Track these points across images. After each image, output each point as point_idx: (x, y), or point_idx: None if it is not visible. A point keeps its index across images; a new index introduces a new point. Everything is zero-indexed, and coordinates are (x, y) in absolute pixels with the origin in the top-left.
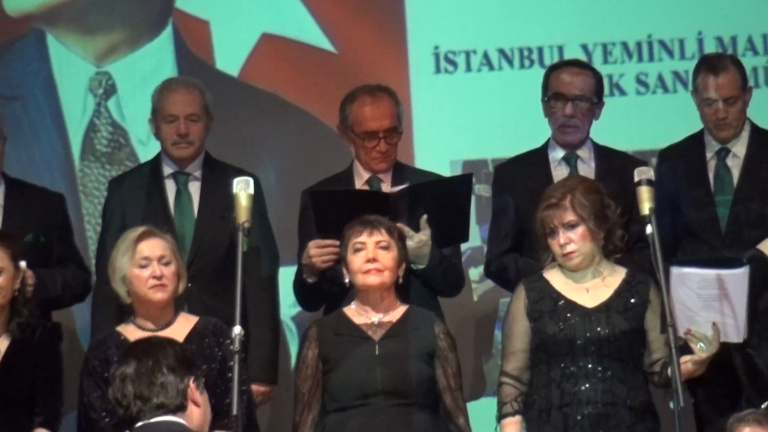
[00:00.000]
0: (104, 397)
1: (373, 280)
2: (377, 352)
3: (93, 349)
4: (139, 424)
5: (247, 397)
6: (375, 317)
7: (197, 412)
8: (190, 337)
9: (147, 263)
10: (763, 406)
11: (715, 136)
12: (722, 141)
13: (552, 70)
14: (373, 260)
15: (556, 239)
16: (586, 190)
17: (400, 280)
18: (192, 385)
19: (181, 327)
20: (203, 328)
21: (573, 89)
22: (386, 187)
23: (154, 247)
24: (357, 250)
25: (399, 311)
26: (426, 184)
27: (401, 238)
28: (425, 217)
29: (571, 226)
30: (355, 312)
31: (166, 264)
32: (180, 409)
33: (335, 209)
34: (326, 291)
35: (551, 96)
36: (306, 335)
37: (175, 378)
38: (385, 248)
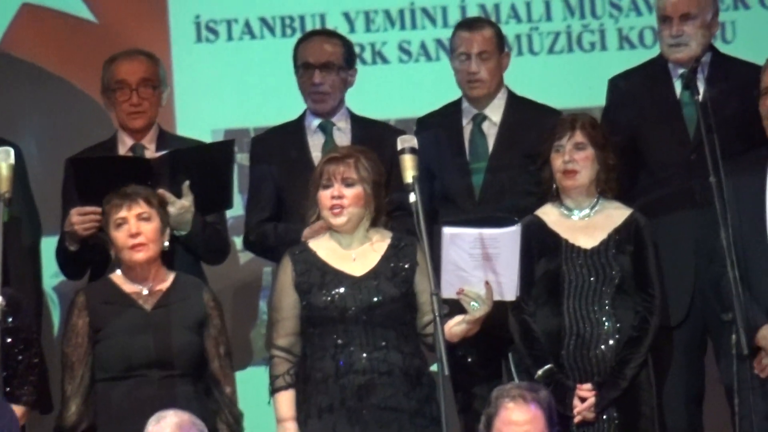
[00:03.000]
0: None
1: (139, 256)
2: (149, 321)
3: None
4: None
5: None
6: (145, 287)
7: None
8: None
9: None
10: (539, 372)
11: (469, 96)
12: (475, 101)
13: (300, 42)
14: (137, 234)
15: (330, 192)
16: (370, 158)
17: (166, 247)
18: None
19: None
20: None
21: (320, 57)
22: (150, 154)
23: None
24: (119, 225)
25: (168, 279)
26: (187, 150)
27: (162, 206)
28: (187, 183)
29: (349, 185)
30: (123, 280)
31: None
32: None
33: (96, 176)
34: (89, 259)
35: (300, 66)
36: (74, 302)
37: None
38: (147, 219)
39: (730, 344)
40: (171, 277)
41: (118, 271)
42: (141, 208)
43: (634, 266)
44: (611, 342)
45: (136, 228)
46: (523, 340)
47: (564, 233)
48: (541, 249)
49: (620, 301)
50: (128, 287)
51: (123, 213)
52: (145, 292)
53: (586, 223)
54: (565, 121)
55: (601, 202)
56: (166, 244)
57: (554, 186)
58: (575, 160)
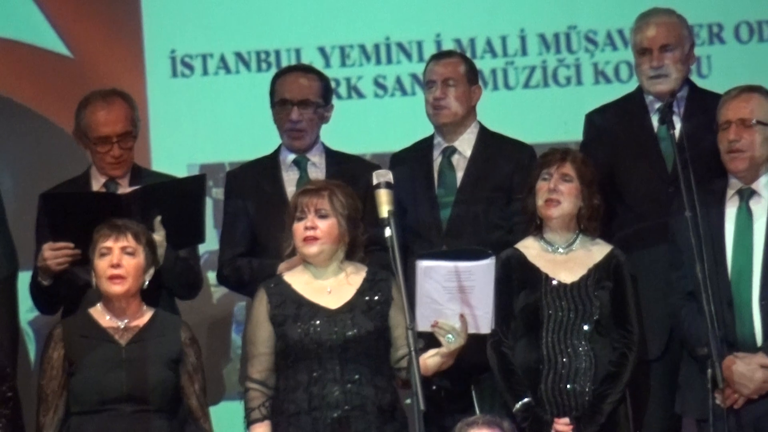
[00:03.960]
0: None
1: (115, 288)
2: (123, 356)
3: None
4: None
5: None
6: (122, 321)
7: None
8: None
9: None
10: (517, 406)
11: (434, 123)
12: (445, 134)
13: (277, 77)
14: (117, 266)
15: (303, 223)
16: (346, 192)
17: (145, 285)
18: None
19: None
20: None
21: (297, 94)
22: (123, 190)
23: None
24: (102, 255)
25: (146, 315)
26: (159, 185)
27: (150, 245)
28: (159, 218)
29: (322, 216)
30: (101, 314)
31: None
32: None
33: (68, 212)
34: (62, 294)
35: (277, 102)
36: (51, 335)
37: None
38: (131, 254)
39: (706, 377)
40: (150, 313)
41: (99, 305)
42: (127, 241)
43: (613, 302)
44: (589, 377)
45: (118, 260)
46: (501, 374)
47: (544, 267)
48: (521, 282)
49: (599, 336)
50: (105, 322)
51: (109, 243)
52: (122, 326)
53: (566, 258)
54: (557, 151)
55: (582, 238)
56: (147, 282)
57: (537, 216)
58: (560, 190)
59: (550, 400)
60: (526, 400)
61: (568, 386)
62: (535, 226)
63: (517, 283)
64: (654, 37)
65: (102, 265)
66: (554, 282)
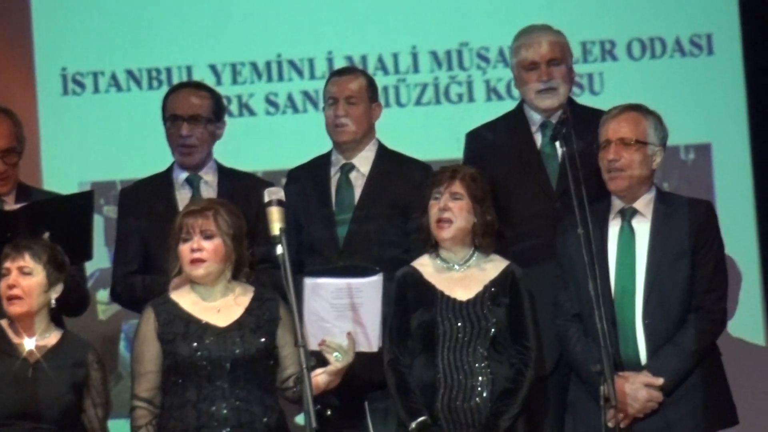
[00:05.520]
0: None
1: (13, 309)
2: (29, 375)
3: None
4: None
5: None
6: (29, 340)
7: None
8: None
9: None
10: (413, 425)
11: (335, 141)
12: (344, 150)
13: (168, 93)
14: (13, 286)
15: (189, 245)
16: (231, 210)
17: (53, 304)
18: None
19: None
20: None
21: (188, 110)
22: (9, 207)
23: None
24: (3, 276)
25: (54, 336)
26: (46, 201)
27: (54, 262)
28: (47, 234)
29: (208, 237)
30: (10, 329)
31: None
32: None
33: None
34: None
35: (168, 118)
36: None
37: None
38: (28, 274)
39: (597, 396)
40: (59, 334)
41: (4, 322)
42: (24, 261)
43: (510, 318)
44: (485, 394)
45: (14, 280)
46: (397, 392)
47: (440, 285)
48: (417, 300)
49: (495, 353)
50: (16, 338)
51: (8, 264)
52: (30, 345)
53: (462, 275)
54: (446, 170)
55: (478, 255)
56: (53, 301)
57: (432, 236)
58: (450, 209)
59: (447, 418)
60: (422, 418)
61: (465, 404)
62: (431, 244)
63: (413, 300)
64: (542, 52)
65: (3, 285)
66: (450, 299)
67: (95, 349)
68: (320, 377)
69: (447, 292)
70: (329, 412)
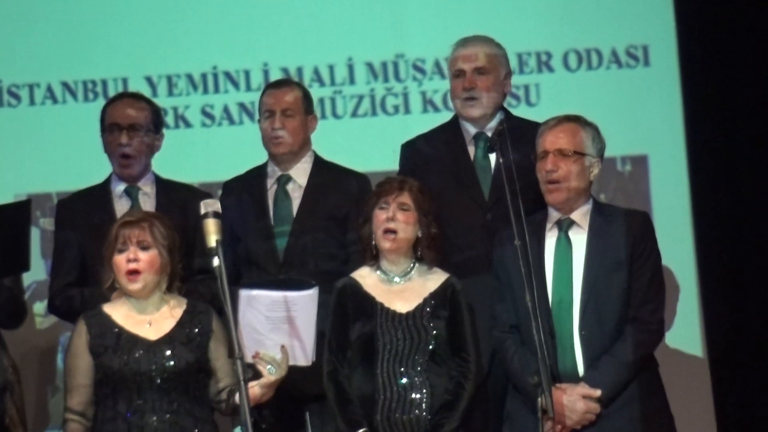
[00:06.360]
0: None
1: None
2: None
3: None
4: None
5: None
6: None
7: None
8: None
9: None
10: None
11: (272, 154)
12: (280, 162)
13: (107, 104)
14: None
15: (125, 255)
16: (165, 223)
17: None
18: None
19: None
20: None
21: (126, 119)
22: None
23: None
24: None
25: None
26: None
27: None
28: None
29: (144, 248)
30: None
31: None
32: None
33: None
34: None
35: (107, 127)
36: None
37: None
38: None
39: (534, 407)
40: None
41: None
42: None
43: (450, 331)
44: (424, 406)
45: None
46: (337, 403)
47: (380, 297)
48: (357, 312)
49: (435, 365)
50: None
51: None
52: None
53: (402, 287)
54: (394, 180)
55: (419, 268)
56: None
57: (373, 245)
58: (397, 219)
59: (386, 430)
60: (362, 430)
61: (404, 416)
62: (371, 255)
63: (353, 312)
64: (469, 59)
65: None
66: (389, 311)
67: (9, 354)
68: (254, 389)
69: (387, 304)
70: (264, 426)
